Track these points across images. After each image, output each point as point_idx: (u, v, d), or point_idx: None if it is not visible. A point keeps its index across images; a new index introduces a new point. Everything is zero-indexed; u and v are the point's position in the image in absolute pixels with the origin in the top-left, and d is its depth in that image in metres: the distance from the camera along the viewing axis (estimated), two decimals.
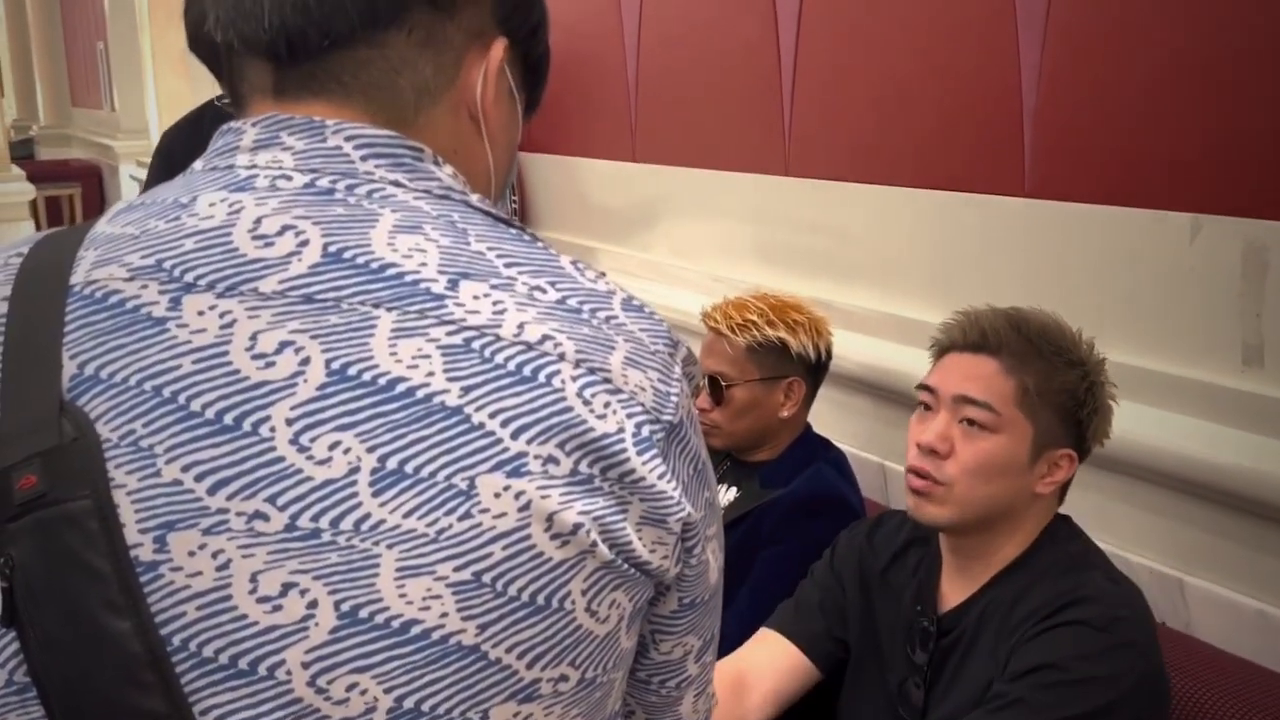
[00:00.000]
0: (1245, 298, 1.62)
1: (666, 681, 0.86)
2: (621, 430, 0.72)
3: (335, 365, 0.69)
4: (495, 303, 0.72)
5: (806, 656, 1.66)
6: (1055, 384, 1.44)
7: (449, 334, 0.70)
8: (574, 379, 0.71)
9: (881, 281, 2.30)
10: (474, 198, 0.78)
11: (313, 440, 0.68)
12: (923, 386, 1.52)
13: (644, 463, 0.73)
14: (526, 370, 0.71)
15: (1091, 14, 1.80)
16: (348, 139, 0.75)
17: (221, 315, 0.69)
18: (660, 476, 0.74)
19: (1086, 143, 1.83)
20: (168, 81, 6.38)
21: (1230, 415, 1.63)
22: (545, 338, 0.72)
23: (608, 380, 0.73)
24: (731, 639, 1.89)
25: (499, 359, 0.70)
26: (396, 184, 0.75)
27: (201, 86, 5.81)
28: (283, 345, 0.69)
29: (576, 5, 3.36)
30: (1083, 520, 1.57)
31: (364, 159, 0.75)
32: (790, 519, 1.93)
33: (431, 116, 0.78)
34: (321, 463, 0.68)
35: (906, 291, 2.24)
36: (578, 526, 0.71)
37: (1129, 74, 1.75)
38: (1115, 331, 1.80)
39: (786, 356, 2.03)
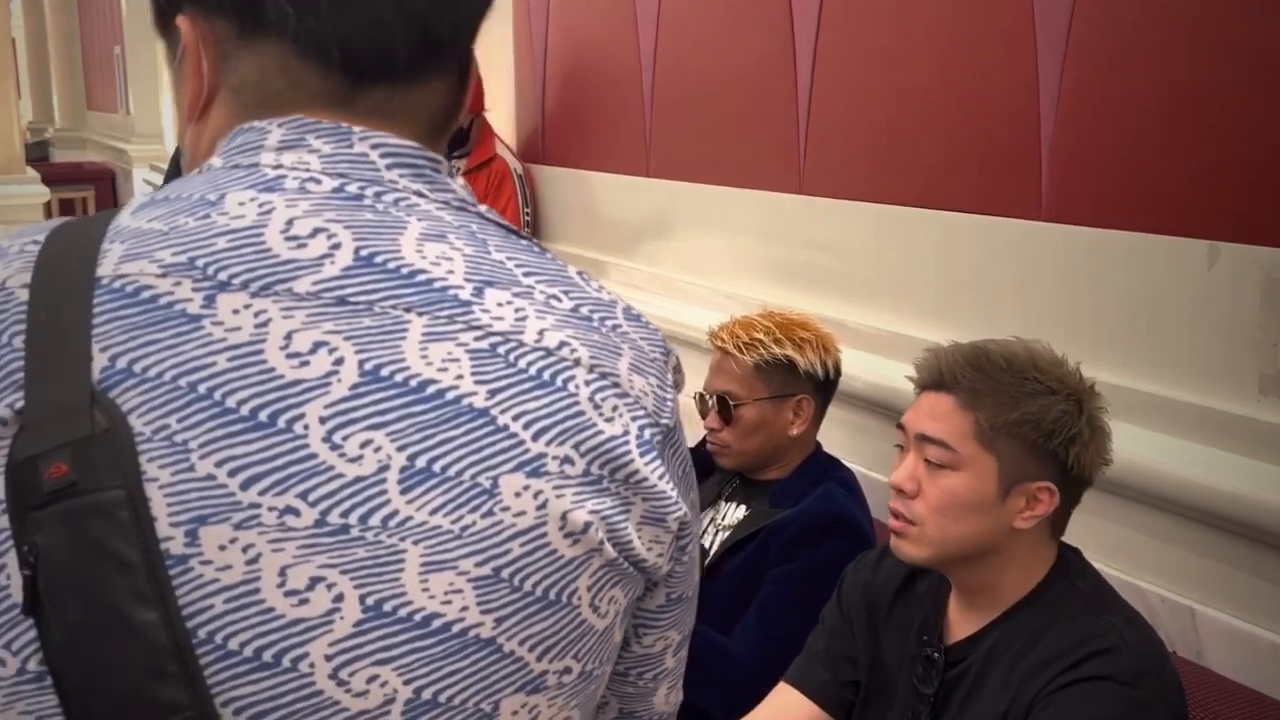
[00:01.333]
0: (1264, 327, 1.60)
1: (644, 674, 0.89)
2: (627, 433, 0.76)
3: (368, 366, 0.71)
4: (517, 310, 0.75)
5: (821, 709, 1.65)
6: (1014, 416, 1.41)
7: (476, 339, 0.73)
8: (587, 383, 0.75)
9: (894, 302, 2.29)
10: (483, 208, 0.81)
11: (345, 438, 0.70)
12: (899, 426, 1.52)
13: (646, 464, 0.76)
14: (546, 375, 0.74)
15: (1112, 38, 1.79)
16: (373, 147, 0.77)
17: (256, 314, 0.71)
18: (660, 477, 0.77)
19: (1105, 167, 1.83)
20: None
21: (1246, 444, 1.62)
22: (563, 344, 0.75)
23: (616, 385, 0.76)
24: (740, 657, 1.89)
25: (521, 364, 0.73)
26: (419, 194, 0.77)
27: None
28: (317, 345, 0.71)
29: (593, 20, 3.36)
30: (1096, 548, 1.56)
31: (389, 168, 0.77)
32: (799, 538, 1.92)
33: (441, 140, 0.82)
34: (353, 460, 0.70)
35: (919, 312, 2.23)
36: (588, 525, 0.74)
37: (1148, 99, 1.75)
38: (1131, 358, 1.79)
39: (794, 374, 2.03)
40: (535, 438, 0.73)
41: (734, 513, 2.08)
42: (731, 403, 2.04)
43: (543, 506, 0.73)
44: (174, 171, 2.46)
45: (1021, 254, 1.99)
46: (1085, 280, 1.88)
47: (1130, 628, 1.40)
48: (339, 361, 0.71)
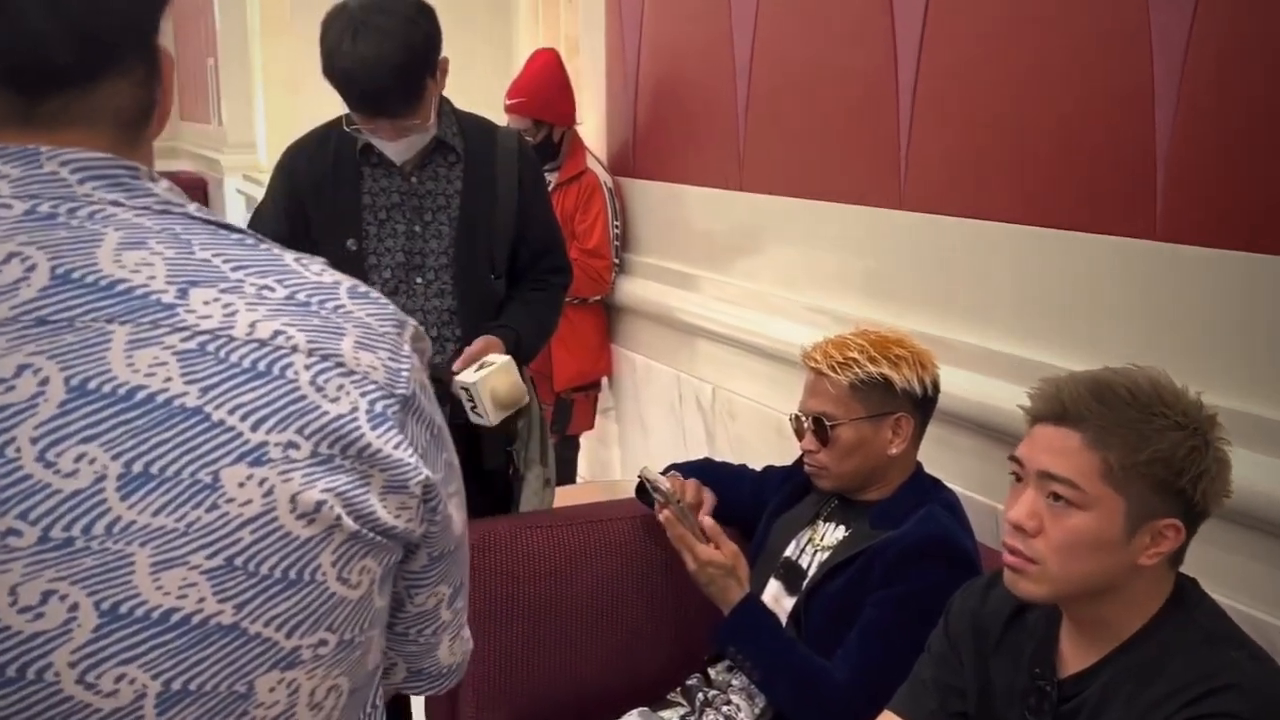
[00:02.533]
0: None
1: (424, 631, 0.93)
2: (355, 409, 0.79)
3: (74, 382, 0.73)
4: (225, 305, 0.77)
5: None
6: (1145, 454, 1.36)
7: (183, 340, 0.76)
8: (308, 368, 0.78)
9: (998, 321, 2.25)
10: (192, 207, 0.83)
11: (58, 455, 0.72)
12: (1013, 457, 1.47)
13: (379, 436, 0.79)
14: (261, 365, 0.77)
15: (1233, 50, 1.74)
16: (63, 164, 0.78)
17: None
18: (397, 446, 0.80)
19: (1224, 184, 1.77)
20: (276, 99, 6.51)
21: None
22: (277, 333, 0.78)
23: (340, 364, 0.79)
24: (840, 681, 1.86)
25: (234, 358, 0.76)
26: (116, 203, 0.79)
27: (309, 105, 5.91)
28: (21, 368, 0.73)
29: (687, 33, 3.35)
30: (1213, 578, 1.51)
31: (81, 182, 0.78)
32: (903, 562, 1.88)
33: (143, 137, 0.84)
34: (69, 475, 0.72)
35: (1024, 332, 2.18)
36: (320, 504, 0.77)
37: (1272, 114, 1.69)
38: (1249, 383, 1.73)
39: (891, 392, 1.99)
40: (254, 428, 0.75)
41: (833, 533, 2.05)
42: (828, 423, 2.01)
43: (269, 493, 0.75)
44: (275, 186, 2.49)
45: (1134, 274, 1.93)
46: (1201, 303, 1.82)
47: (1252, 663, 1.35)
48: (44, 381, 0.73)
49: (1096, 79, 1.98)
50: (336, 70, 2.19)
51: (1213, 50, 1.77)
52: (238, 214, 7.72)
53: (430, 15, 2.23)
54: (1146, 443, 1.36)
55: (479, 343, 2.32)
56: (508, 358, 2.31)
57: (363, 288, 0.86)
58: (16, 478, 0.72)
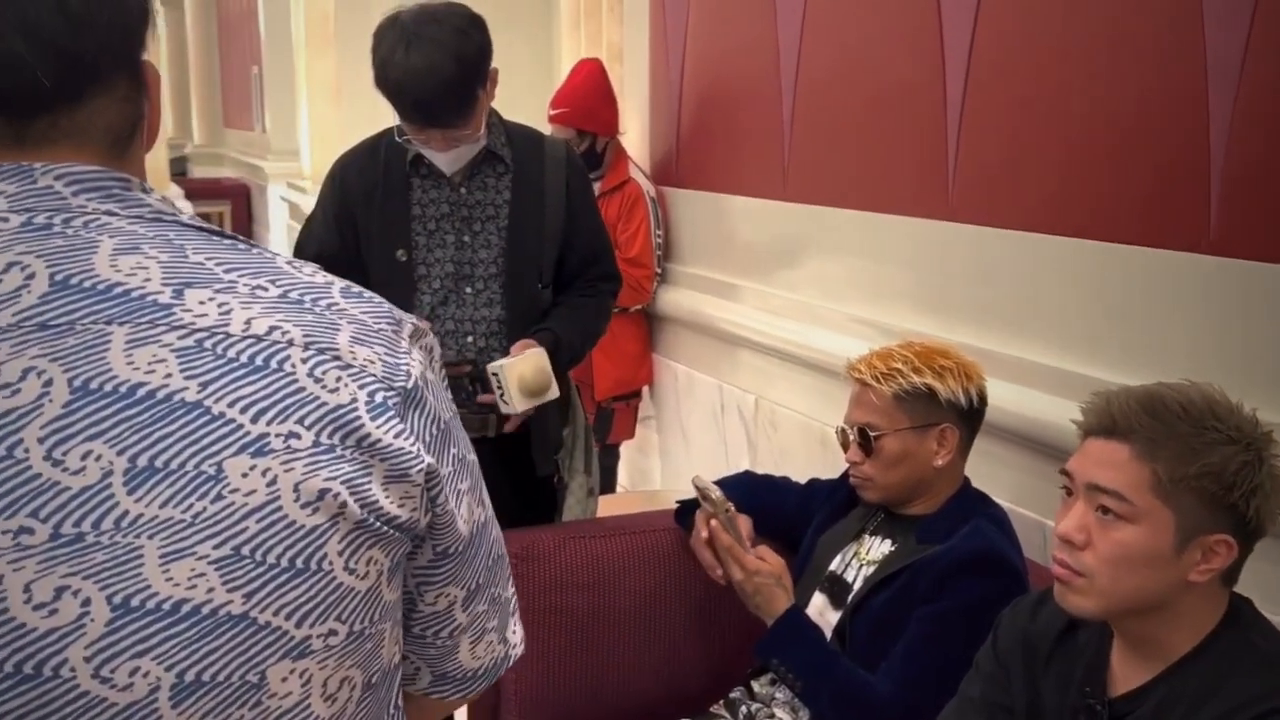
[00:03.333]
0: None
1: (440, 632, 0.94)
2: (354, 400, 0.80)
3: (77, 382, 0.76)
4: (221, 304, 0.79)
5: None
6: (1195, 468, 1.35)
7: (180, 338, 0.78)
8: (304, 361, 0.80)
9: (1046, 334, 2.23)
10: (184, 216, 0.85)
11: (65, 453, 0.74)
12: (1063, 471, 1.47)
13: (379, 426, 0.81)
14: (259, 359, 0.79)
15: None
16: (57, 178, 0.81)
17: None
18: (398, 435, 0.82)
19: (1277, 199, 1.75)
20: (319, 107, 6.56)
21: None
22: (273, 328, 0.80)
23: (337, 358, 0.81)
24: (885, 695, 1.85)
25: (231, 353, 0.78)
26: (110, 213, 0.81)
27: (351, 115, 5.95)
28: (25, 372, 0.75)
29: (732, 43, 3.35)
30: (1267, 598, 1.49)
31: (75, 194, 0.81)
32: (950, 577, 1.87)
33: (132, 149, 0.85)
34: (76, 472, 0.74)
35: (1073, 346, 2.16)
36: (324, 492, 0.78)
37: None
38: None
39: (935, 403, 1.98)
40: (255, 420, 0.77)
41: (879, 547, 2.04)
42: (872, 434, 2.00)
43: (273, 483, 0.77)
44: (326, 195, 2.51)
45: (1186, 288, 1.91)
46: (1257, 317, 1.80)
47: None
48: (48, 383, 0.75)
49: (1149, 91, 1.96)
50: (389, 81, 2.21)
51: (1268, 64, 1.75)
52: (280, 220, 7.79)
53: (481, 26, 2.25)
54: (1196, 456, 1.35)
55: (517, 346, 2.35)
56: (540, 348, 2.33)
57: (356, 288, 0.88)
58: (26, 477, 0.74)
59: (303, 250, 2.47)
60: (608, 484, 3.79)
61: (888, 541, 2.03)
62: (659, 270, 3.70)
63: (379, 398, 0.82)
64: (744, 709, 2.06)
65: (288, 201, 7.51)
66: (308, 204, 6.42)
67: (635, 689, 2.23)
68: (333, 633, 0.81)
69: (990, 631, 1.66)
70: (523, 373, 2.30)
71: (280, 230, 8.03)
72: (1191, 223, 1.88)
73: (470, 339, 2.40)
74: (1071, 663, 1.53)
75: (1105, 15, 2.04)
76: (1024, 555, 1.98)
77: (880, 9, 2.66)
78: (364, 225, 2.40)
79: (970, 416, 2.03)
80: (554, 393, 2.36)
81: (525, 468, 2.43)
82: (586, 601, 2.20)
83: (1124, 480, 1.38)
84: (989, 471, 2.17)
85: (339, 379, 0.81)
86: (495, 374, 2.30)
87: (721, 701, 2.11)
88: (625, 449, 4.05)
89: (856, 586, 2.01)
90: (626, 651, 2.23)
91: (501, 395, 2.30)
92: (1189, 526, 1.36)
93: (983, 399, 2.04)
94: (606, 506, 2.80)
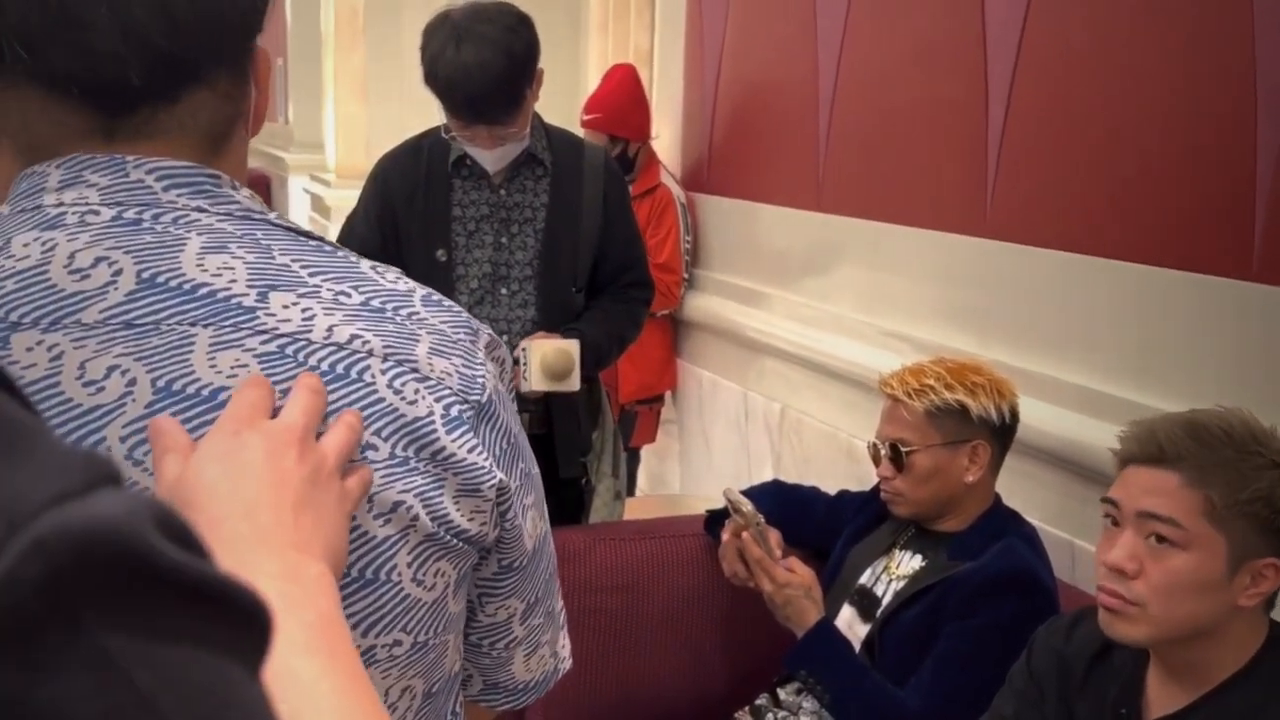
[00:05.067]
0: None
1: (496, 643, 0.93)
2: (431, 414, 0.80)
3: (160, 383, 0.75)
4: (304, 310, 0.79)
5: None
6: (1246, 493, 1.36)
7: (263, 343, 0.77)
8: (383, 372, 0.79)
9: (1082, 355, 2.23)
10: (273, 215, 0.84)
11: (146, 453, 0.74)
12: (1106, 500, 1.46)
13: (454, 440, 0.80)
14: (339, 368, 0.78)
15: None
16: (149, 172, 0.80)
17: (49, 349, 0.75)
18: (471, 450, 0.81)
19: None
20: (346, 103, 6.58)
21: None
22: (354, 337, 0.79)
23: (415, 370, 0.80)
24: (916, 711, 1.86)
25: (312, 360, 0.78)
26: (200, 209, 0.80)
27: (377, 112, 5.97)
28: (110, 370, 0.75)
29: (770, 51, 3.35)
30: None
31: (165, 189, 0.80)
32: (981, 593, 1.87)
33: (229, 145, 0.84)
34: (154, 475, 0.73)
35: (1109, 368, 2.17)
36: (398, 504, 0.78)
37: None
38: None
39: (967, 419, 1.99)
40: None
41: (909, 562, 2.04)
42: (903, 449, 2.01)
43: None
44: (368, 194, 2.54)
45: (1227, 314, 1.92)
46: None
47: None
48: (132, 383, 0.75)
49: (1196, 115, 1.96)
50: (440, 77, 2.24)
51: None
52: (302, 211, 7.81)
53: (529, 25, 2.28)
54: (1247, 481, 1.36)
55: (543, 335, 2.39)
56: (571, 340, 2.38)
57: (436, 296, 0.87)
58: None
59: (345, 247, 2.49)
60: (629, 487, 3.81)
61: (918, 557, 2.04)
62: (686, 276, 3.71)
63: (454, 411, 0.81)
64: (770, 716, 2.07)
65: (310, 194, 7.53)
66: (331, 197, 6.46)
67: (661, 692, 2.24)
68: (397, 643, 0.80)
69: (1022, 649, 1.67)
70: (546, 353, 2.34)
71: (301, 221, 8.06)
72: (1235, 249, 1.89)
73: (505, 338, 2.42)
74: (1106, 685, 1.53)
75: (1153, 36, 2.05)
76: (1054, 574, 1.99)
77: (924, 25, 2.66)
78: (405, 225, 2.42)
79: (1002, 433, 2.03)
80: (574, 384, 2.38)
81: (549, 469, 2.45)
82: (618, 604, 2.22)
83: (1178, 507, 1.38)
84: (1020, 489, 2.17)
85: (417, 391, 0.80)
86: (523, 350, 2.35)
87: (747, 708, 2.11)
88: (644, 453, 4.06)
89: (886, 601, 2.01)
90: (653, 654, 2.24)
91: (524, 372, 2.34)
92: (1240, 552, 1.37)
93: (1015, 416, 2.04)
94: (628, 510, 2.81)
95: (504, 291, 2.44)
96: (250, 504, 0.69)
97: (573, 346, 2.36)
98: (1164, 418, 1.45)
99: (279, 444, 0.71)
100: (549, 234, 2.43)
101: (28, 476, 0.35)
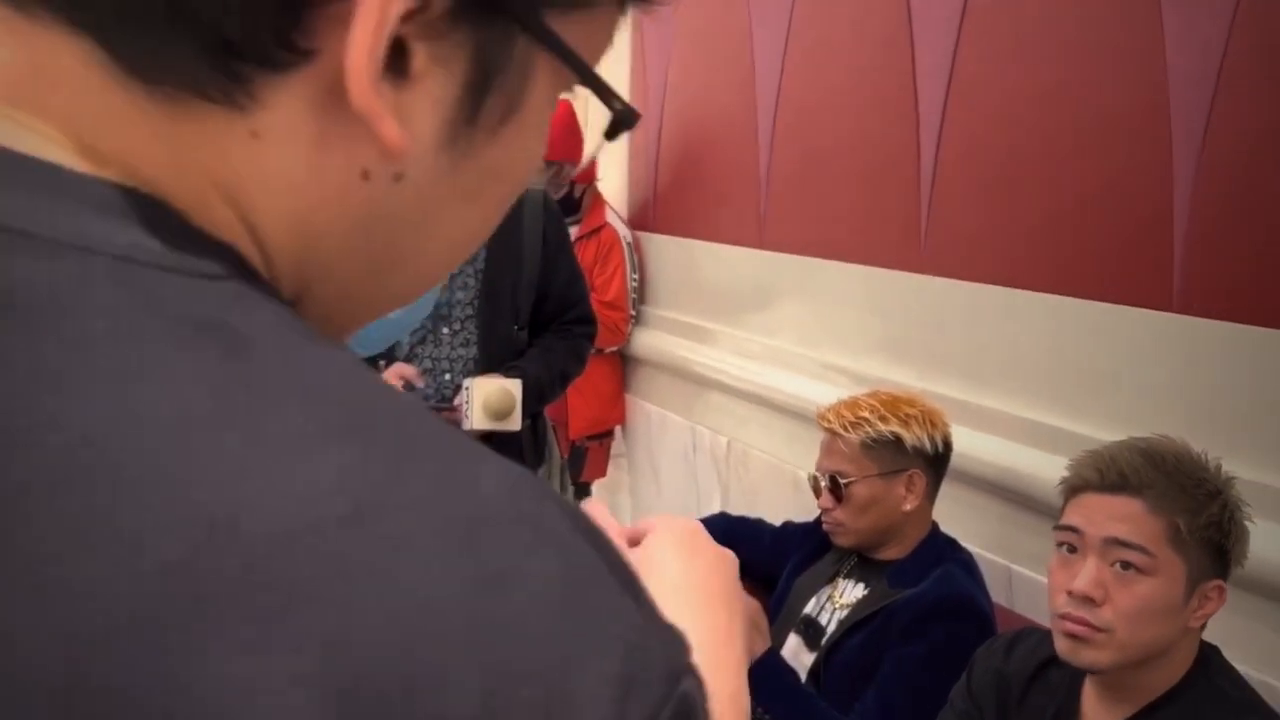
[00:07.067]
0: None
1: None
2: None
3: None
4: None
5: None
6: (1203, 518, 1.42)
7: None
8: None
9: (1012, 383, 2.30)
10: None
11: None
12: (1065, 527, 1.48)
13: None
14: None
15: (1252, 129, 1.80)
16: None
17: None
18: None
19: (1240, 259, 1.83)
20: None
21: None
22: None
23: None
24: None
25: None
26: None
27: None
28: None
29: (711, 93, 3.42)
30: (1230, 644, 1.55)
31: None
32: (920, 621, 1.92)
33: None
34: None
35: (1038, 395, 2.23)
36: None
37: None
38: (1267, 453, 1.78)
39: (902, 449, 2.05)
40: None
41: (852, 591, 2.09)
42: (842, 481, 2.06)
43: None
44: None
45: (1149, 344, 1.99)
46: (1218, 372, 1.87)
47: None
48: None
49: (1116, 154, 2.04)
50: None
51: (1228, 135, 1.83)
52: None
53: None
54: (1202, 507, 1.42)
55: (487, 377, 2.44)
56: (514, 380, 2.43)
57: None
58: None
59: None
60: None
61: (861, 585, 2.09)
62: (634, 313, 3.76)
63: None
64: None
65: None
66: None
67: None
68: None
69: (962, 672, 1.71)
70: (488, 392, 2.39)
71: None
72: (1156, 282, 1.96)
73: (448, 376, 2.46)
74: (1044, 702, 1.58)
75: (1075, 79, 2.12)
76: (991, 599, 2.04)
77: (858, 64, 2.74)
78: None
79: (936, 462, 2.09)
80: (515, 424, 2.42)
81: None
82: None
83: (1145, 534, 1.42)
84: (960, 517, 2.23)
85: None
86: (466, 389, 2.40)
87: None
88: (594, 487, 4.09)
89: (830, 630, 2.06)
90: None
91: (466, 411, 2.37)
92: (1195, 575, 1.42)
93: (948, 445, 2.10)
94: None
95: (445, 331, 2.47)
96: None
97: (515, 386, 2.40)
98: (1119, 445, 1.49)
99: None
100: (489, 273, 2.47)
101: (665, 631, 0.36)
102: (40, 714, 0.30)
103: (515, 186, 0.45)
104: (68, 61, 0.37)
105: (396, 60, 0.37)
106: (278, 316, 0.37)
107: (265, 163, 0.38)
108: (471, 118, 0.40)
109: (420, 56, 0.38)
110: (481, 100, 0.40)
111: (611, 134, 0.46)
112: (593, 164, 3.82)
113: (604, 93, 0.43)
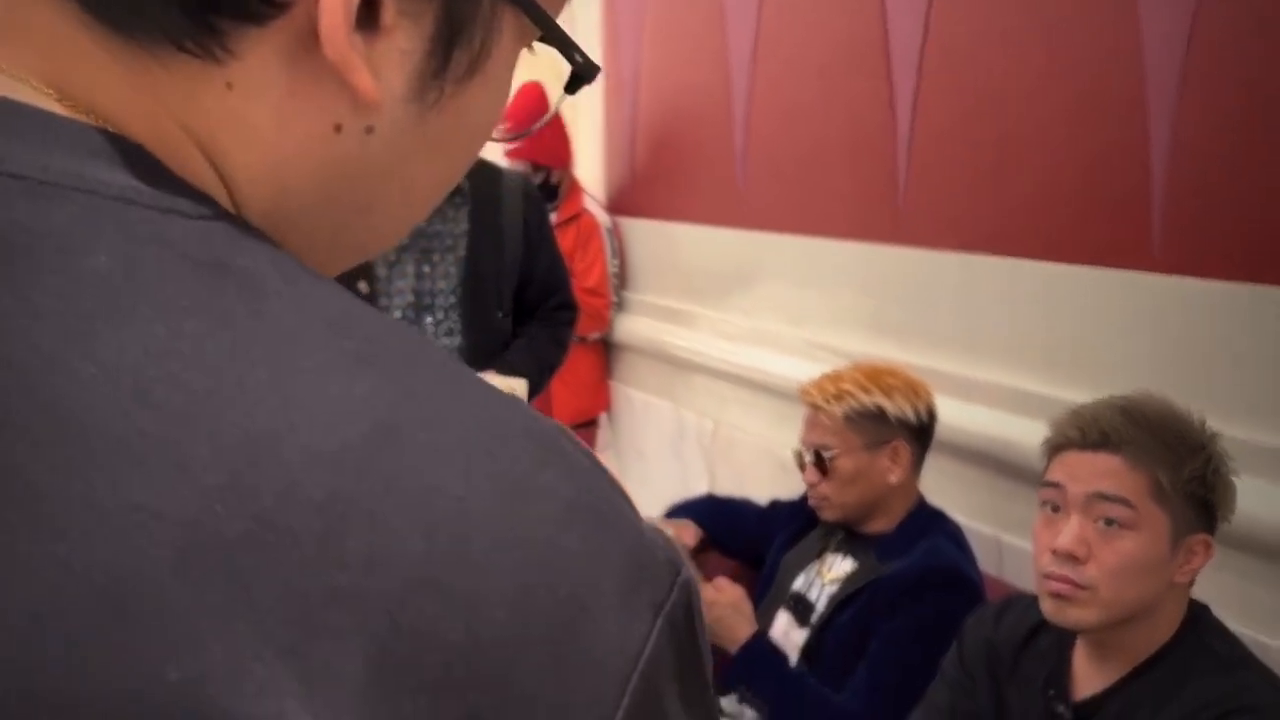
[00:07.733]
0: None
1: None
2: None
3: None
4: None
5: None
6: (1186, 472, 1.41)
7: None
8: None
9: (995, 352, 2.28)
10: None
11: None
12: (1048, 484, 1.48)
13: None
14: None
15: (1226, 85, 1.79)
16: None
17: None
18: None
19: (1219, 217, 1.82)
20: None
21: None
22: None
23: None
24: (852, 712, 1.88)
25: None
26: None
27: None
28: None
29: (685, 75, 3.40)
30: (1219, 602, 1.54)
31: None
32: (909, 593, 1.91)
33: None
34: None
35: (1021, 363, 2.22)
36: None
37: (1264, 157, 1.73)
38: (1246, 411, 1.77)
39: (885, 421, 2.03)
40: None
41: (840, 565, 2.07)
42: (826, 455, 2.05)
43: None
44: None
45: (1130, 306, 1.97)
46: (1200, 332, 1.86)
47: (1267, 687, 1.38)
48: None
49: (1091, 116, 2.03)
50: None
51: (1203, 92, 1.82)
52: None
53: None
54: (1184, 461, 1.42)
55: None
56: (519, 380, 2.40)
57: None
58: None
59: None
60: None
61: (849, 559, 2.07)
62: (615, 299, 3.74)
63: None
64: None
65: None
66: None
67: None
68: None
69: (952, 643, 1.70)
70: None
71: None
72: (1136, 241, 1.95)
73: None
74: (1034, 667, 1.57)
75: (1047, 45, 2.11)
76: (979, 569, 2.03)
77: (830, 39, 2.72)
78: None
79: (920, 433, 2.08)
80: None
81: None
82: None
83: (1128, 487, 1.42)
84: (947, 488, 2.22)
85: None
86: None
87: None
88: None
89: (820, 605, 2.04)
90: None
91: None
92: (1179, 530, 1.42)
93: (932, 415, 2.09)
94: None
95: (429, 320, 2.44)
96: None
97: (521, 386, 2.38)
98: (1099, 404, 1.49)
99: None
100: (471, 262, 2.45)
101: (654, 530, 0.39)
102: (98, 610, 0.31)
103: (481, 137, 0.46)
104: (45, 12, 0.39)
105: (367, 13, 0.38)
106: (274, 255, 0.38)
107: (239, 114, 0.39)
108: (439, 70, 0.41)
109: (390, 10, 0.39)
110: (449, 53, 0.41)
111: (571, 88, 0.48)
112: (569, 149, 3.79)
113: (565, 45, 0.45)
